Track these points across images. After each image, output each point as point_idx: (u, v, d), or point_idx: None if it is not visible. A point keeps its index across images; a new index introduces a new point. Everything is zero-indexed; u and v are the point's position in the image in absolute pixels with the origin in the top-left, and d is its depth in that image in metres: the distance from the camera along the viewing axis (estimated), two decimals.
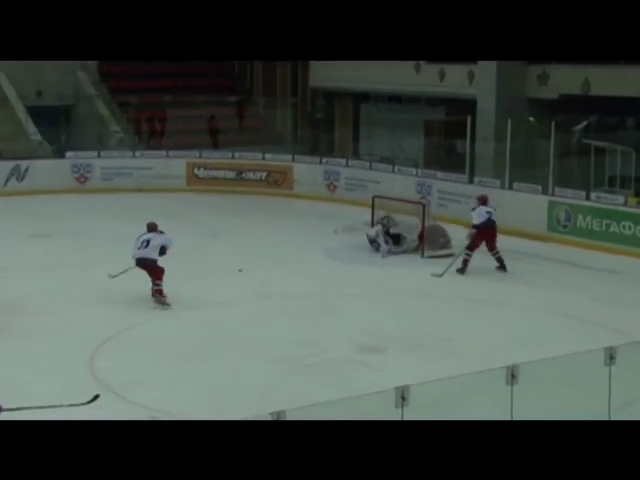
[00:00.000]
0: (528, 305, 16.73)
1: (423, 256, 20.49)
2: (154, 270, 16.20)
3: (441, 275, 18.24)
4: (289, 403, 8.76)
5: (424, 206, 21.48)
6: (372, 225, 21.60)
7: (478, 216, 18.74)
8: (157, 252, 16.24)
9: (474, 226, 18.68)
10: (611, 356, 9.89)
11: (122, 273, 16.50)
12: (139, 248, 16.23)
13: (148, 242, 16.23)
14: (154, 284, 16.22)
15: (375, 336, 14.84)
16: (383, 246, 20.83)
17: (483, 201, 19.15)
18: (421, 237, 20.79)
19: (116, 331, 14.83)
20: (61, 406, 10.31)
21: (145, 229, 16.52)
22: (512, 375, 9.21)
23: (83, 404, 10.49)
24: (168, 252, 16.40)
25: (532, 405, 9.66)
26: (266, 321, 15.78)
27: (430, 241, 20.70)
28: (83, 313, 15.93)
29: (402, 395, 8.31)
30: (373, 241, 21.01)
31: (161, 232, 16.53)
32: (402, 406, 8.31)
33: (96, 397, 10.59)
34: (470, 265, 18.87)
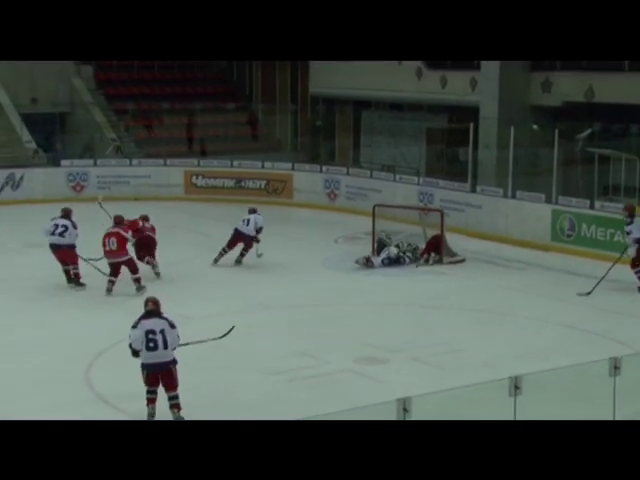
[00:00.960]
0: (531, 316, 16.61)
1: (443, 262, 20.51)
2: (251, 243, 20.05)
3: (589, 293, 17.84)
4: (289, 415, 8.68)
5: (442, 213, 21.46)
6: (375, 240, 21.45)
7: (639, 230, 18.19)
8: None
9: (637, 240, 18.10)
10: (616, 367, 9.75)
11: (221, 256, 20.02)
12: (244, 224, 20.01)
13: (249, 221, 20.01)
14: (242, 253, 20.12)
15: (376, 347, 14.73)
16: (407, 258, 20.79)
17: (632, 211, 18.70)
18: (439, 244, 20.75)
19: (113, 342, 14.57)
20: (202, 341, 12.40)
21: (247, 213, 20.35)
22: (516, 386, 9.07)
23: (221, 337, 12.56)
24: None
25: (536, 416, 9.47)
26: (266, 332, 15.70)
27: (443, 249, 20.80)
28: (80, 323, 15.83)
29: (404, 407, 8.11)
30: (396, 259, 20.67)
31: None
32: (404, 418, 8.10)
33: (232, 328, 12.62)
34: (472, 276, 18.83)
